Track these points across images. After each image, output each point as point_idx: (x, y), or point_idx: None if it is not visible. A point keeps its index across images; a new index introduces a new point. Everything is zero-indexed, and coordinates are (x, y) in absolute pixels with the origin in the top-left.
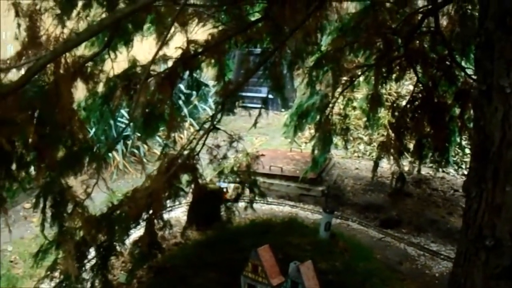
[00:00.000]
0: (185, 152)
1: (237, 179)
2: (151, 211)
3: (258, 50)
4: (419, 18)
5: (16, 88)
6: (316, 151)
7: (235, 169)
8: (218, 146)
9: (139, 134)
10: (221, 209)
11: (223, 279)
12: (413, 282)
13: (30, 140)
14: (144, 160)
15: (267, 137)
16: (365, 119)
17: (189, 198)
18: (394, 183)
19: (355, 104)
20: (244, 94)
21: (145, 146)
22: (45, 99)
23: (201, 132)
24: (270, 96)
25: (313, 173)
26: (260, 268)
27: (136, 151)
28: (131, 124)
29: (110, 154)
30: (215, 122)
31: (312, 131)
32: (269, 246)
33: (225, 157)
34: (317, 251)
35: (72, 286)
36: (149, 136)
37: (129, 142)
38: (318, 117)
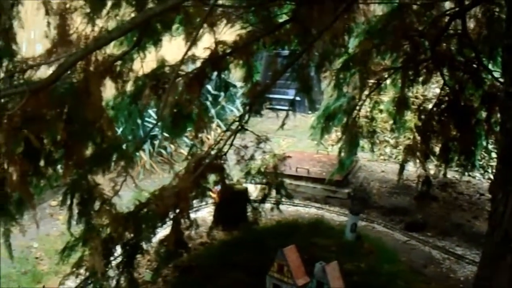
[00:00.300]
0: (213, 152)
1: (264, 180)
2: (178, 210)
3: (286, 52)
4: (446, 20)
5: (47, 85)
6: (342, 153)
7: (262, 170)
8: (245, 147)
9: (166, 134)
10: (247, 210)
11: (249, 280)
12: (438, 285)
13: (59, 137)
14: (171, 160)
15: (294, 139)
16: (391, 122)
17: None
18: (420, 187)
19: (381, 107)
20: (271, 96)
21: (172, 146)
22: (75, 96)
23: (229, 133)
24: (298, 98)
25: (340, 175)
26: (286, 268)
27: (163, 151)
28: (159, 124)
29: (137, 154)
30: (243, 123)
31: (339, 133)
32: (295, 247)
33: (252, 157)
34: (342, 252)
35: (98, 283)
36: (176, 136)
37: (156, 142)
38: (345, 119)
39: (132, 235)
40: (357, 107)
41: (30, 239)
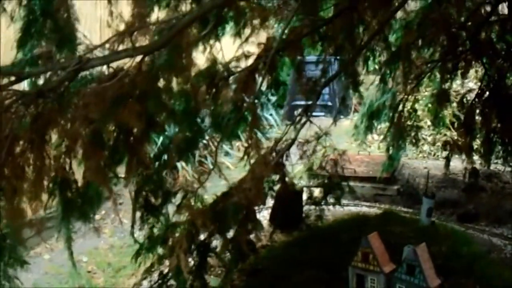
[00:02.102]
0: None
1: (325, 176)
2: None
3: (311, 58)
4: (487, 9)
5: (154, 50)
6: (391, 149)
7: (323, 164)
8: (307, 142)
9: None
10: (303, 211)
11: (323, 276)
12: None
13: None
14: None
15: (332, 142)
16: (427, 120)
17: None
18: (467, 178)
19: (420, 103)
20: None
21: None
22: (172, 68)
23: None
24: (329, 103)
25: (387, 172)
26: (371, 256)
27: (204, 160)
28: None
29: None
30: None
31: (376, 135)
32: (378, 234)
33: (314, 152)
34: (420, 238)
35: (182, 282)
36: (230, 138)
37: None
38: (390, 114)
39: (208, 232)
40: (403, 102)
41: (78, 254)
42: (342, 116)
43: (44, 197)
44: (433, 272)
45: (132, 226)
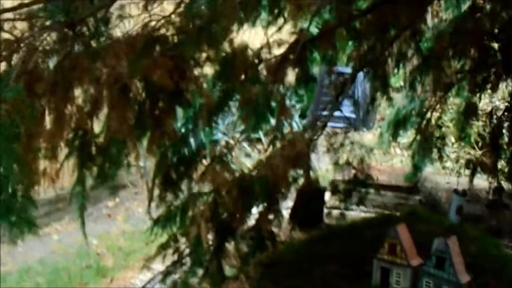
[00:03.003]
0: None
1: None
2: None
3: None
4: None
5: None
6: (416, 157)
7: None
8: (335, 134)
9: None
10: (324, 210)
11: (344, 271)
12: None
13: None
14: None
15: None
16: (451, 137)
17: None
18: (491, 195)
19: (446, 119)
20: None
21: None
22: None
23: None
24: (353, 115)
25: (410, 182)
26: (399, 248)
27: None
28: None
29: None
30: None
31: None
32: (406, 226)
33: (342, 145)
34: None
35: (200, 254)
36: (254, 130)
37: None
38: (417, 122)
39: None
40: (430, 110)
41: (88, 236)
42: (365, 129)
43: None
44: (463, 268)
45: (149, 203)
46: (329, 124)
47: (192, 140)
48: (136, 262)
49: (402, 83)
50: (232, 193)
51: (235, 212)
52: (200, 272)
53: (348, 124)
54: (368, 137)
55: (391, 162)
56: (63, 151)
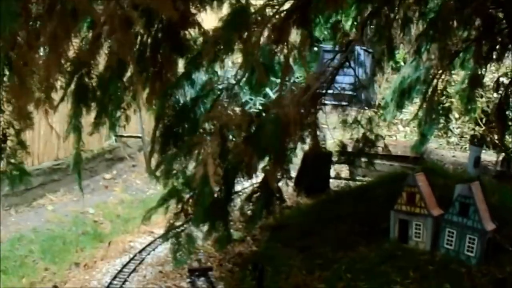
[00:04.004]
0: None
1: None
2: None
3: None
4: None
5: None
6: (423, 125)
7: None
8: (343, 89)
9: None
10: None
11: (357, 229)
12: None
13: None
14: None
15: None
16: (455, 113)
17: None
18: (499, 166)
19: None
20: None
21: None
22: None
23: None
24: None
25: (417, 152)
26: (418, 197)
27: None
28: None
29: None
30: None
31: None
32: (424, 174)
33: (350, 101)
34: None
35: (207, 195)
36: (257, 91)
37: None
38: (423, 90)
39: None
40: (437, 77)
41: (84, 206)
42: (366, 108)
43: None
44: (488, 215)
45: (150, 158)
46: (330, 102)
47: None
48: (136, 227)
49: (402, 63)
50: (241, 128)
51: (244, 153)
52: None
53: (349, 101)
54: (369, 114)
55: (395, 137)
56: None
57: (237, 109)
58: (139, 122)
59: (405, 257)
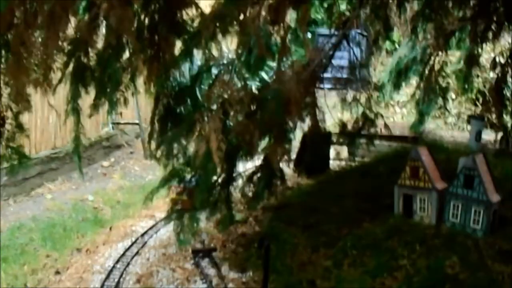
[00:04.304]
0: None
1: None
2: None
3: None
4: None
5: None
6: (421, 104)
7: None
8: (342, 67)
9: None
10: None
11: (362, 206)
12: None
13: None
14: None
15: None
16: (453, 93)
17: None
18: (498, 145)
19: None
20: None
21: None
22: None
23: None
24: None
25: (415, 131)
26: (422, 170)
27: None
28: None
29: None
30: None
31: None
32: (427, 148)
33: (348, 80)
34: None
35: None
36: (254, 73)
37: None
38: (420, 70)
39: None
40: (433, 56)
41: (83, 193)
42: (362, 90)
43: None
44: (493, 187)
45: (149, 139)
46: (325, 85)
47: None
48: (136, 212)
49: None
50: (243, 104)
51: (246, 131)
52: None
53: (344, 85)
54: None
55: (393, 119)
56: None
57: (239, 84)
58: (136, 109)
59: (410, 231)
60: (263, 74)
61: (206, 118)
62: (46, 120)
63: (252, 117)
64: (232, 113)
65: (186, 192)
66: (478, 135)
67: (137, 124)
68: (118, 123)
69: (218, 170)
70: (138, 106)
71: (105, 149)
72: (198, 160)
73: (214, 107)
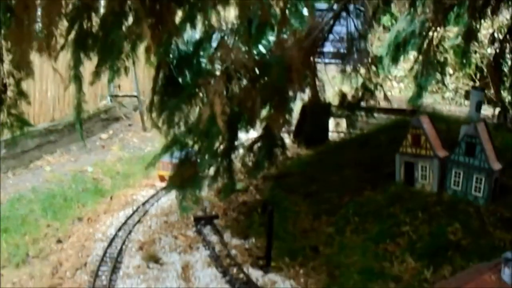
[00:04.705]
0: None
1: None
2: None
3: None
4: None
5: None
6: (419, 77)
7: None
8: (341, 39)
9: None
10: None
11: (362, 175)
12: None
13: None
14: None
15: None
16: (450, 69)
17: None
18: (496, 119)
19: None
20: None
21: None
22: None
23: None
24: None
25: (413, 105)
26: (423, 138)
27: None
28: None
29: None
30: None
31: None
32: (428, 117)
33: (349, 52)
34: None
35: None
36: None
37: None
38: (419, 43)
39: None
40: (432, 29)
41: (82, 165)
42: (359, 65)
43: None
44: (494, 155)
45: (150, 108)
46: (323, 60)
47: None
48: (137, 181)
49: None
50: (248, 65)
51: (248, 97)
52: (211, 168)
53: (341, 59)
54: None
55: (390, 93)
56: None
57: (243, 49)
58: (134, 81)
59: (412, 199)
60: (261, 48)
61: (209, 83)
62: (44, 93)
63: (255, 82)
64: (235, 79)
65: (173, 167)
66: (478, 106)
67: (135, 96)
68: (116, 96)
69: (221, 136)
70: (136, 78)
71: (103, 122)
72: (202, 124)
73: (217, 72)
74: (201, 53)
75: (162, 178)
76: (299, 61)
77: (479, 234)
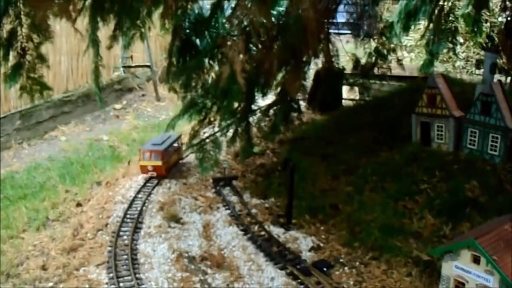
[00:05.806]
0: None
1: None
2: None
3: None
4: None
5: None
6: (430, 44)
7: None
8: (355, 2)
9: None
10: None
11: (378, 136)
12: None
13: None
14: None
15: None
16: (461, 38)
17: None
18: (508, 86)
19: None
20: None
21: None
22: None
23: None
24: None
25: (425, 72)
26: (439, 98)
27: None
28: None
29: None
30: None
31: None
32: (444, 77)
33: (361, 17)
34: None
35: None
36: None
37: None
38: (430, 10)
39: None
40: None
41: (97, 134)
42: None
43: None
44: (509, 114)
45: (168, 71)
46: (332, 31)
47: None
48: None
49: None
50: (266, 27)
51: (266, 58)
52: (230, 129)
53: (351, 30)
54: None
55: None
56: None
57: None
58: (147, 51)
59: (429, 158)
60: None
61: (228, 43)
62: (58, 64)
63: (273, 42)
64: (254, 37)
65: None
66: (492, 68)
67: (148, 66)
68: (129, 67)
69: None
70: (149, 49)
71: (117, 92)
72: (223, 83)
73: (236, 32)
74: (220, 14)
75: (144, 169)
76: (314, 23)
77: (497, 191)
